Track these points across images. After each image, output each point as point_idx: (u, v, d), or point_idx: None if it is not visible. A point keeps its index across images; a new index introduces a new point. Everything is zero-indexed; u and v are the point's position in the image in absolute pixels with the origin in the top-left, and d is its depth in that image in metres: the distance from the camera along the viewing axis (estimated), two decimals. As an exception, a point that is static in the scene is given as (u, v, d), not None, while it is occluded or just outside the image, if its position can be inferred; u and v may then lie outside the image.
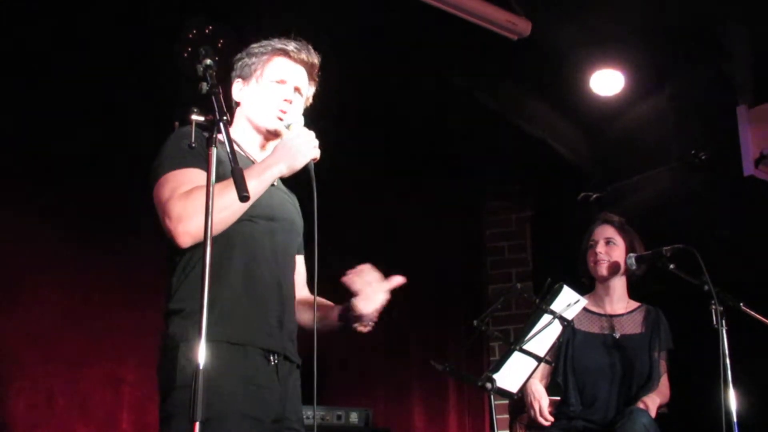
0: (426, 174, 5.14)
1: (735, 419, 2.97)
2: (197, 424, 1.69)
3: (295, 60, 2.40)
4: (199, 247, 1.97)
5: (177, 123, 2.20)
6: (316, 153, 2.22)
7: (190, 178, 2.12)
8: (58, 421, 3.94)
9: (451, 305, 5.29)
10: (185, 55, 3.19)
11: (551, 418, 3.42)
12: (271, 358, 2.14)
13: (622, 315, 3.60)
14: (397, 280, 2.31)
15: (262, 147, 2.39)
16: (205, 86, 1.94)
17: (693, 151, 4.34)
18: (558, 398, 3.51)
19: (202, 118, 1.92)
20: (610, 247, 3.59)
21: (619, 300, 3.63)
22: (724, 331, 3.07)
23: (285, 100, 2.34)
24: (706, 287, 3.13)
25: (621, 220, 3.67)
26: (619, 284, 3.62)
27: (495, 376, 2.93)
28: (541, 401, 3.42)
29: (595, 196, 4.95)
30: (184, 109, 1.94)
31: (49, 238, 4.02)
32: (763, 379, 3.88)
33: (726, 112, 4.21)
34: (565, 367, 3.50)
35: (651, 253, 3.48)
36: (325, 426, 4.07)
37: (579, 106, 4.75)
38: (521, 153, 5.07)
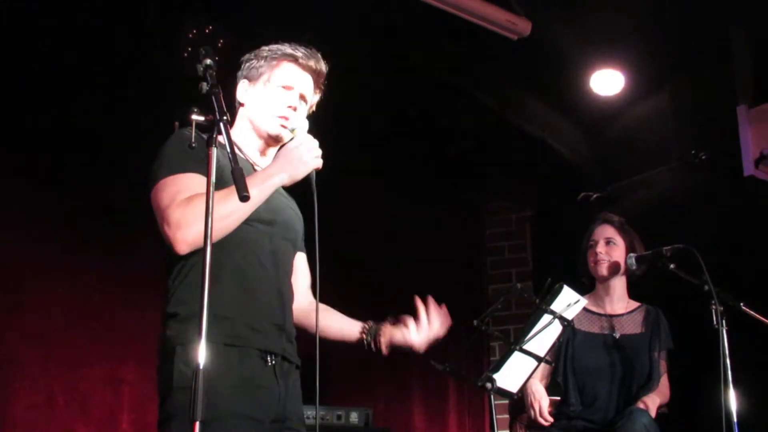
0: (426, 174, 5.14)
1: (735, 419, 2.97)
2: (197, 424, 1.69)
3: (303, 67, 2.40)
4: (198, 250, 1.97)
5: (177, 123, 2.19)
6: (318, 163, 2.20)
7: (190, 184, 2.10)
8: (58, 421, 3.93)
9: (451, 305, 5.26)
10: (185, 55, 3.18)
11: (551, 418, 3.42)
12: (269, 359, 2.14)
13: (622, 315, 3.60)
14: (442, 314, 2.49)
15: (263, 153, 2.38)
16: (205, 86, 1.93)
17: (693, 151, 4.34)
18: (558, 398, 3.51)
19: (202, 118, 1.91)
20: (610, 247, 3.59)
21: (619, 300, 3.63)
22: (724, 331, 3.07)
23: (289, 107, 2.34)
24: (706, 287, 3.14)
25: (621, 220, 3.67)
26: (619, 284, 3.63)
27: (495, 376, 2.93)
28: (541, 401, 3.42)
29: (595, 196, 4.95)
30: (184, 109, 1.93)
31: (49, 238, 4.02)
32: (763, 379, 3.87)
33: (726, 112, 4.21)
34: (565, 367, 3.50)
35: (651, 253, 3.48)
36: (325, 426, 4.07)
37: (579, 106, 4.75)
38: (521, 153, 5.06)
